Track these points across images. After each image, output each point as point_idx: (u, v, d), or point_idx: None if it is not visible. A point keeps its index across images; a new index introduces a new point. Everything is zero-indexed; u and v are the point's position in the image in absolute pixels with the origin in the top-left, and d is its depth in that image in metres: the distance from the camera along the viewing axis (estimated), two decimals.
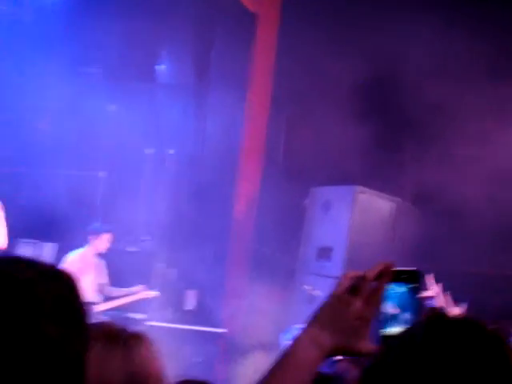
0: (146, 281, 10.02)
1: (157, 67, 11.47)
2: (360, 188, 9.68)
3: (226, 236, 10.69)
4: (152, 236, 10.62)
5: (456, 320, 1.29)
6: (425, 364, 1.22)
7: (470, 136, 9.13)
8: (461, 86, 8.91)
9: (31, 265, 1.45)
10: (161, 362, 2.28)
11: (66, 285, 1.46)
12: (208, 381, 1.98)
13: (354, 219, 9.61)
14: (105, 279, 9.68)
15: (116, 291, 9.73)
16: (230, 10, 10.86)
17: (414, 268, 1.67)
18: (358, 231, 9.59)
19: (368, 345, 1.59)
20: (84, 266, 9.10)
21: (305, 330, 1.61)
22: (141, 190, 10.80)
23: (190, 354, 9.26)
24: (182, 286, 10.47)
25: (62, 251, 9.61)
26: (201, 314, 10.35)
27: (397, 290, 1.64)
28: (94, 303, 9.09)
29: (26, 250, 9.85)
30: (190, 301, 10.55)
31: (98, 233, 9.49)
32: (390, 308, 1.63)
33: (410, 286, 1.65)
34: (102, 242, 9.49)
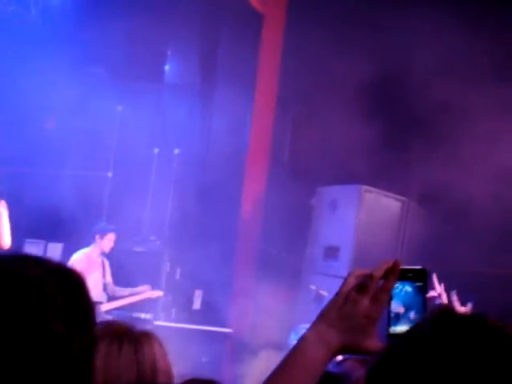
0: (153, 281, 10.03)
1: (163, 67, 11.48)
2: (366, 187, 9.67)
3: (232, 236, 10.69)
4: (159, 236, 10.63)
5: (464, 315, 1.28)
6: (433, 359, 1.22)
7: (477, 135, 9.10)
8: (468, 86, 8.89)
9: (39, 262, 1.45)
10: (169, 359, 2.29)
11: (73, 283, 1.46)
12: (215, 379, 1.98)
13: (361, 218, 9.60)
14: (109, 279, 9.71)
15: (120, 291, 9.77)
16: (236, 10, 10.87)
17: (421, 266, 1.67)
18: (365, 230, 9.58)
19: (376, 343, 1.59)
20: (89, 265, 9.12)
21: (312, 328, 1.61)
22: (147, 190, 10.81)
23: (197, 353, 9.26)
24: (189, 286, 10.48)
25: (68, 251, 9.63)
26: (208, 314, 10.35)
27: (402, 288, 1.64)
28: (98, 303, 9.11)
29: (32, 250, 9.87)
30: (197, 301, 10.56)
31: (103, 232, 9.53)
32: (395, 306, 1.63)
33: (417, 284, 1.65)
34: (107, 241, 9.53)
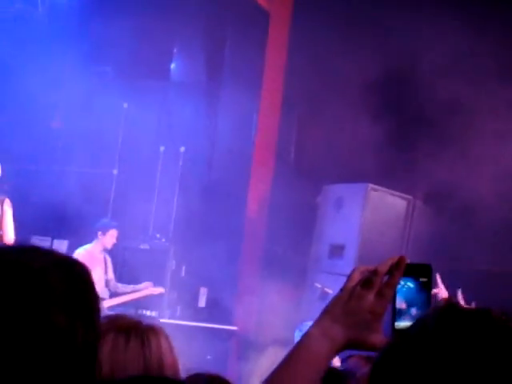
0: (159, 278, 10.05)
1: (169, 65, 11.49)
2: (372, 186, 9.66)
3: (238, 234, 10.70)
4: (164, 234, 10.64)
5: (468, 309, 1.29)
6: (437, 353, 1.22)
7: (483, 135, 9.10)
8: (474, 85, 8.88)
9: (45, 254, 1.46)
10: (176, 354, 2.29)
11: (78, 275, 1.47)
12: (220, 375, 1.99)
13: (366, 217, 9.60)
14: (111, 275, 9.74)
15: (122, 287, 9.80)
16: (242, 8, 10.87)
17: (425, 262, 1.67)
18: (370, 229, 9.57)
19: (380, 338, 1.59)
20: (91, 261, 9.13)
21: (316, 324, 1.61)
22: (153, 188, 10.82)
23: (202, 351, 9.27)
24: (194, 284, 10.49)
25: (74, 248, 9.64)
26: (213, 312, 10.36)
27: (405, 284, 1.64)
28: (101, 299, 9.11)
29: None
30: (202, 298, 10.57)
31: (105, 229, 9.56)
32: (398, 302, 1.63)
33: (421, 280, 1.65)
34: (109, 238, 9.56)
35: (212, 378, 1.98)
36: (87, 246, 9.53)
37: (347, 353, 3.23)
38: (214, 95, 11.15)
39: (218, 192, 10.51)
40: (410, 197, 9.99)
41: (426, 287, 1.64)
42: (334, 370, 3.12)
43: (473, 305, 5.53)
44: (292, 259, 10.41)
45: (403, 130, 10.02)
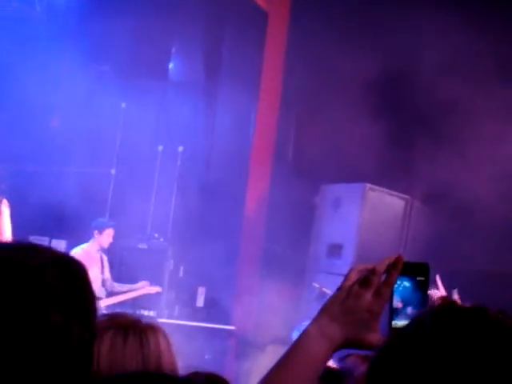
0: (157, 278, 10.05)
1: (167, 65, 11.49)
2: (370, 185, 9.67)
3: (236, 233, 10.70)
4: (163, 233, 10.64)
5: (464, 308, 1.28)
6: (434, 352, 1.22)
7: (481, 135, 9.10)
8: (473, 85, 8.88)
9: (43, 252, 1.45)
10: (174, 352, 2.30)
11: (75, 273, 1.46)
12: (217, 373, 1.99)
13: (364, 217, 9.60)
14: (108, 274, 9.75)
15: (119, 286, 9.81)
16: (241, 8, 10.87)
17: (422, 261, 1.67)
18: (368, 229, 9.58)
19: (378, 337, 1.59)
20: (88, 261, 9.12)
21: (314, 322, 1.61)
22: (151, 188, 10.82)
23: (200, 351, 9.27)
24: (192, 283, 10.49)
25: (72, 248, 9.64)
26: (211, 312, 10.36)
27: (401, 283, 1.64)
28: (97, 298, 9.12)
29: None
30: (200, 298, 10.57)
31: (101, 228, 9.56)
32: (394, 302, 1.63)
33: (418, 279, 1.65)
34: (106, 237, 9.57)
35: (210, 376, 1.98)
36: (84, 246, 9.54)
37: (345, 352, 3.23)
38: (213, 95, 11.16)
39: (216, 191, 10.51)
40: (408, 197, 9.99)
41: (423, 286, 1.64)
42: (331, 369, 3.12)
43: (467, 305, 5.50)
44: (290, 259, 10.41)
45: (401, 130, 10.02)
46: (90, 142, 10.45)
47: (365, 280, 1.61)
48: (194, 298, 10.57)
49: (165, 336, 2.32)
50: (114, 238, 9.77)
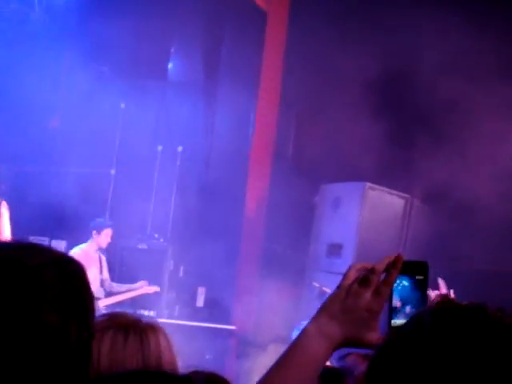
0: (157, 278, 10.05)
1: (166, 65, 11.49)
2: (370, 185, 9.66)
3: (236, 233, 10.70)
4: (162, 233, 10.65)
5: (464, 306, 1.28)
6: (433, 350, 1.22)
7: (482, 134, 9.09)
8: (473, 84, 8.88)
9: (41, 252, 1.45)
10: (174, 351, 2.30)
11: (73, 273, 1.46)
12: (218, 373, 1.99)
13: (364, 216, 9.60)
14: (106, 274, 9.75)
15: (117, 286, 9.81)
16: (240, 8, 10.87)
17: (421, 260, 1.67)
18: (368, 228, 9.57)
19: (377, 336, 1.59)
20: (86, 261, 9.12)
21: (313, 321, 1.61)
22: (151, 188, 10.82)
23: (201, 351, 9.27)
24: (192, 283, 10.49)
25: (72, 248, 9.65)
26: (212, 312, 10.37)
27: (400, 282, 1.64)
28: (96, 298, 9.13)
29: None
30: (201, 298, 10.57)
31: (100, 228, 9.57)
32: (394, 300, 1.63)
33: (417, 278, 1.65)
34: (104, 237, 9.58)
35: (209, 375, 1.98)
36: (82, 246, 9.55)
37: (345, 351, 3.24)
38: (212, 94, 11.16)
39: (216, 191, 10.51)
40: (407, 196, 9.99)
41: (422, 285, 1.64)
42: (331, 368, 3.12)
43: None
44: (290, 258, 10.41)
45: (402, 129, 10.01)
46: (90, 142, 10.44)
47: (364, 279, 1.61)
48: (194, 297, 10.57)
49: (165, 335, 2.32)
50: (114, 238, 9.77)
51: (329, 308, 1.62)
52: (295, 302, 9.64)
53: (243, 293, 10.29)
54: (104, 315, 2.31)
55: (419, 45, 9.30)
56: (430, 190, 9.86)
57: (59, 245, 10.17)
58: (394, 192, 9.90)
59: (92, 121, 10.30)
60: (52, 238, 10.39)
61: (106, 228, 9.62)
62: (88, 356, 1.45)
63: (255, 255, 10.83)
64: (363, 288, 1.60)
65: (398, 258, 1.62)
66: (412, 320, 1.32)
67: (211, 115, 11.10)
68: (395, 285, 1.63)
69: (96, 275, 9.49)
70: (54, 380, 1.36)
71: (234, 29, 11.09)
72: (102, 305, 9.36)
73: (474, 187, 8.75)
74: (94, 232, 9.55)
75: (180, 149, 10.78)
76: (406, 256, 1.64)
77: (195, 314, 10.35)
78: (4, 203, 8.46)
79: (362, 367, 2.98)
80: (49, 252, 1.47)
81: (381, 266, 1.62)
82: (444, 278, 5.47)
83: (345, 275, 1.63)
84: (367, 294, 1.60)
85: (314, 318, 1.61)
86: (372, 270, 1.61)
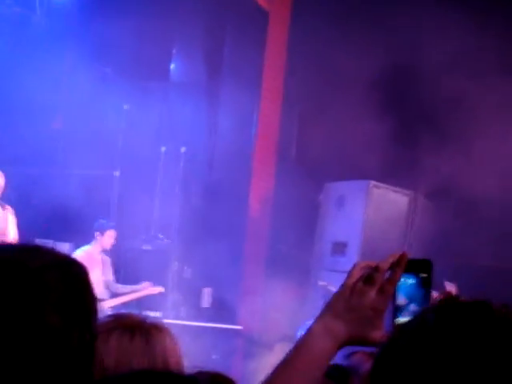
0: (162, 279, 10.06)
1: (169, 65, 11.50)
2: (374, 183, 9.66)
3: (241, 233, 10.70)
4: (167, 234, 10.65)
5: (468, 302, 1.28)
6: (437, 346, 1.21)
7: (485, 130, 9.08)
8: (476, 81, 8.87)
9: (45, 254, 1.45)
10: (180, 352, 2.30)
11: (75, 275, 1.46)
12: (223, 373, 1.99)
13: (369, 214, 9.60)
14: (110, 276, 9.75)
15: (122, 288, 9.81)
16: (242, 8, 10.87)
17: (425, 258, 1.66)
18: (373, 226, 9.57)
19: (382, 334, 1.59)
20: (90, 262, 9.13)
21: (318, 320, 1.61)
22: (155, 189, 10.82)
23: (207, 351, 9.28)
24: (197, 284, 10.50)
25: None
26: (217, 312, 10.37)
27: (405, 280, 1.64)
28: (101, 300, 9.16)
29: None
30: (207, 299, 10.57)
31: (103, 229, 9.58)
32: (398, 299, 1.63)
33: (421, 276, 1.65)
34: (107, 238, 9.58)
35: (215, 375, 1.99)
36: (86, 248, 9.55)
37: (351, 349, 3.24)
38: (214, 95, 11.16)
39: (219, 191, 10.51)
40: (412, 193, 9.98)
41: (426, 283, 1.64)
42: (337, 366, 3.12)
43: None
44: (295, 257, 10.41)
45: (405, 127, 10.00)
46: (93, 143, 10.45)
47: (368, 277, 1.61)
48: (199, 298, 10.58)
49: (171, 336, 2.33)
50: (119, 239, 9.78)
51: (333, 307, 1.62)
52: (301, 302, 9.64)
53: (249, 293, 10.29)
54: (110, 316, 2.31)
55: (421, 43, 9.30)
56: (434, 188, 9.85)
57: (64, 247, 10.18)
58: (399, 190, 9.90)
59: (95, 122, 10.31)
60: (56, 240, 10.38)
61: (109, 229, 9.62)
62: (91, 358, 1.45)
63: (260, 255, 10.83)
64: (368, 286, 1.61)
65: (402, 256, 1.63)
66: (416, 317, 1.32)
67: (214, 115, 11.10)
68: (400, 283, 1.63)
69: (100, 277, 9.50)
70: (55, 381, 1.37)
71: (236, 29, 11.09)
72: (107, 306, 9.36)
73: (478, 184, 8.74)
74: (97, 233, 9.55)
75: (183, 149, 10.78)
76: (412, 253, 1.64)
77: (201, 314, 10.36)
78: (10, 209, 8.47)
79: (367, 366, 2.97)
80: (51, 254, 1.47)
81: (385, 265, 1.62)
82: (448, 275, 5.47)
83: (349, 274, 1.64)
84: (372, 293, 1.60)
85: (319, 317, 1.62)
86: (376, 269, 1.61)
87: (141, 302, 9.81)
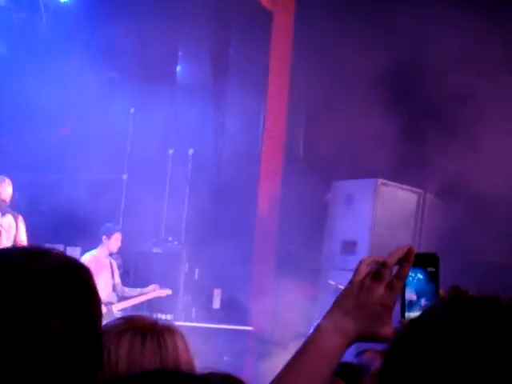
0: (172, 281, 10.06)
1: (175, 68, 11.51)
2: (382, 180, 9.65)
3: (250, 233, 10.69)
4: (176, 237, 10.66)
5: (477, 298, 1.28)
6: (447, 342, 1.21)
7: (494, 127, 9.06)
8: (484, 77, 8.84)
9: (49, 257, 1.46)
10: (192, 354, 2.30)
11: (80, 278, 1.47)
12: (233, 374, 1.99)
13: (377, 212, 9.58)
14: (118, 279, 9.77)
15: (129, 291, 9.82)
16: (246, 9, 10.87)
17: (432, 252, 1.66)
18: (382, 224, 9.56)
19: (391, 330, 1.59)
20: (98, 266, 9.16)
21: (327, 317, 1.60)
22: (163, 191, 10.84)
23: (219, 352, 9.28)
24: (208, 286, 10.50)
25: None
26: (228, 313, 10.37)
27: (415, 275, 1.63)
28: (109, 303, 9.18)
29: None
30: (217, 300, 10.58)
31: (109, 233, 9.59)
32: (408, 294, 1.63)
33: (429, 270, 1.64)
34: (114, 241, 9.60)
35: (226, 376, 1.99)
36: (93, 252, 9.57)
37: (361, 347, 3.24)
38: (221, 96, 11.17)
39: (228, 193, 10.51)
40: (420, 191, 9.97)
41: (434, 277, 1.64)
42: (348, 364, 3.12)
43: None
44: (305, 257, 10.41)
45: (413, 124, 9.98)
46: (101, 148, 10.47)
47: (376, 273, 1.60)
48: (210, 299, 10.58)
49: (182, 337, 2.33)
50: (128, 243, 9.79)
51: (342, 304, 1.61)
52: (311, 301, 9.63)
53: (259, 293, 10.28)
54: (120, 319, 2.32)
55: (429, 39, 9.27)
56: (442, 185, 9.83)
57: (74, 251, 10.21)
58: (407, 187, 9.88)
59: (102, 127, 10.33)
60: (67, 244, 10.42)
61: (116, 232, 9.63)
62: (95, 360, 1.46)
63: (270, 255, 10.82)
64: (375, 282, 1.60)
65: (409, 250, 1.61)
66: (425, 312, 1.32)
67: (221, 117, 11.11)
68: (409, 278, 1.62)
69: (108, 280, 9.51)
70: (58, 382, 1.38)
71: (241, 30, 11.09)
72: (116, 309, 9.38)
73: (487, 181, 8.72)
74: (104, 237, 9.56)
75: (191, 151, 10.79)
76: (420, 250, 1.64)
77: (212, 315, 10.37)
78: (20, 218, 8.52)
79: (378, 364, 2.97)
80: (57, 258, 1.47)
81: (392, 260, 1.61)
82: (458, 271, 5.46)
83: (356, 270, 1.63)
84: (380, 289, 1.59)
85: (328, 314, 1.61)
86: (384, 264, 1.60)
87: (152, 305, 9.82)
